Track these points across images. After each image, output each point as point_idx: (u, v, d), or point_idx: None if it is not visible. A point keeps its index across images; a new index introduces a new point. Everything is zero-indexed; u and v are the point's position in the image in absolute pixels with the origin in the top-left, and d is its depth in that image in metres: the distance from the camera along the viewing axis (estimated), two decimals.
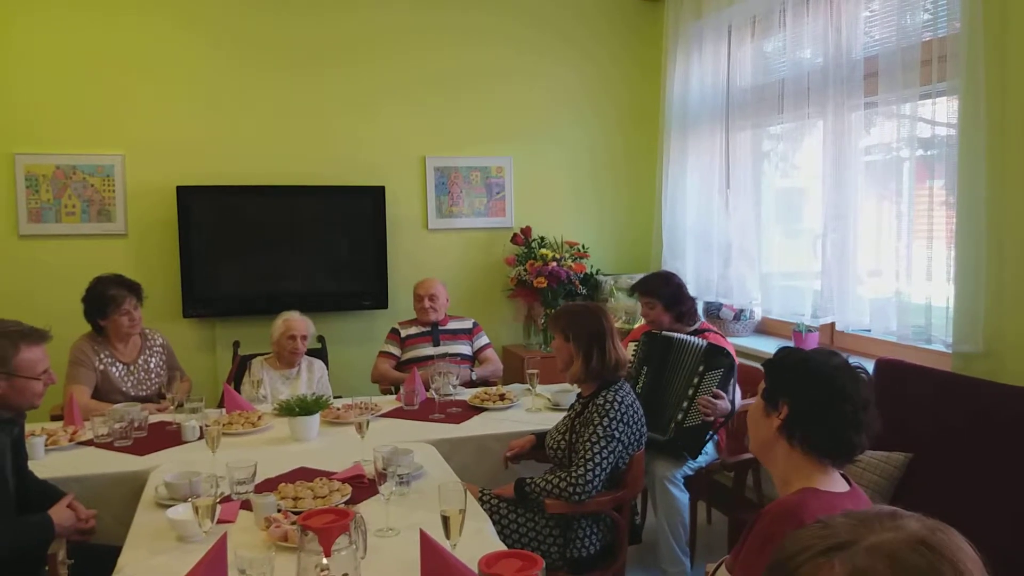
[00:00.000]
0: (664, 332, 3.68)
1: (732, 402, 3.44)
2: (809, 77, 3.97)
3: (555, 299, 5.15)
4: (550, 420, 3.29)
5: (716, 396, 3.38)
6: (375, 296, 5.18)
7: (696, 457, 3.49)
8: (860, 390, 1.71)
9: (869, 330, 3.80)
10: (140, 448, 3.12)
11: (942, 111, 3.35)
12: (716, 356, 3.45)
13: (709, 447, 3.60)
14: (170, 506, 2.37)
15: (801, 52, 4.11)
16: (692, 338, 3.59)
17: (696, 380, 3.44)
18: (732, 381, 3.46)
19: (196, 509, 2.10)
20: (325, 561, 1.63)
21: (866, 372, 1.76)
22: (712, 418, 3.38)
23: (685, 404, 3.44)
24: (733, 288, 4.66)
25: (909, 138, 3.52)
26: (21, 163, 4.65)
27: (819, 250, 3.98)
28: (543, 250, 5.24)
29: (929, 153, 3.50)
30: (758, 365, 3.68)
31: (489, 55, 5.38)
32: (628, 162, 5.70)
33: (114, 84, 4.76)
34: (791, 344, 4.08)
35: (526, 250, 5.33)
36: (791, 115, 4.15)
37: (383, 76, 5.20)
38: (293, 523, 2.17)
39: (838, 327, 3.92)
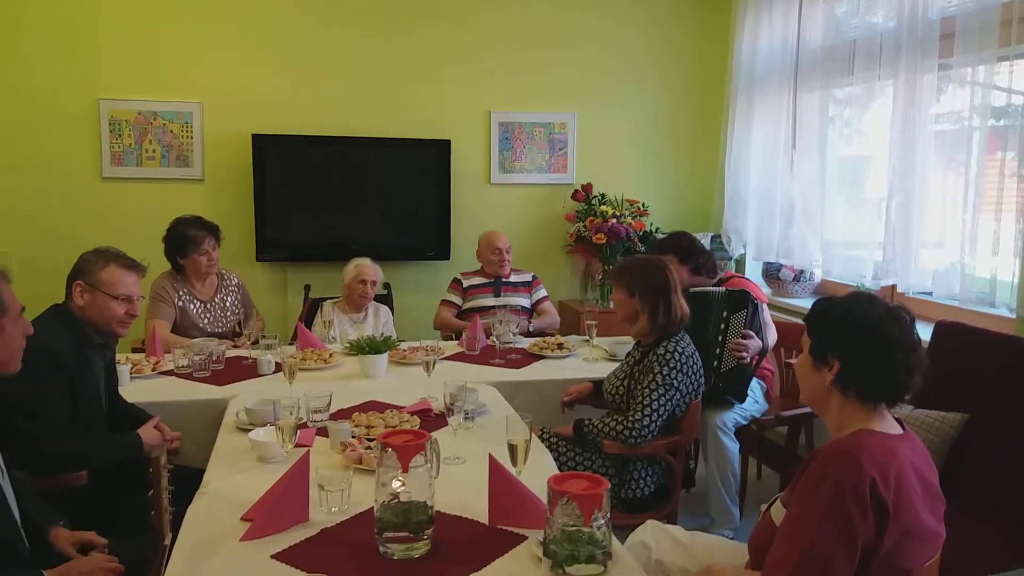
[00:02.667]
0: (693, 289, 3.73)
1: (764, 339, 3.52)
2: (882, 38, 3.91)
3: (613, 256, 5.21)
4: (607, 370, 3.36)
5: (745, 337, 3.46)
6: (438, 247, 5.31)
7: (743, 400, 3.56)
8: (905, 333, 1.74)
9: (931, 293, 3.79)
10: (218, 379, 3.30)
11: (1020, 76, 3.29)
12: (737, 299, 3.52)
13: (758, 395, 3.67)
14: (250, 430, 2.53)
15: (874, 13, 4.05)
16: (712, 288, 3.68)
17: (723, 326, 3.51)
18: (759, 319, 3.53)
19: (280, 430, 2.24)
20: (402, 477, 1.75)
21: (907, 311, 1.79)
22: (747, 359, 3.45)
23: (717, 351, 3.50)
24: (794, 249, 4.66)
25: (981, 107, 3.46)
26: (105, 108, 4.85)
27: (883, 216, 3.96)
28: (603, 207, 5.29)
29: (1002, 123, 3.45)
30: None
31: (556, 13, 5.39)
32: (691, 121, 5.69)
33: (194, 34, 4.93)
34: None
35: (586, 207, 5.38)
36: (861, 76, 4.10)
37: (452, 32, 5.26)
38: (367, 447, 2.32)
39: (899, 289, 3.91)
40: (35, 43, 4.74)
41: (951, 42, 3.50)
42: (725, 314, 3.50)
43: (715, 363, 3.49)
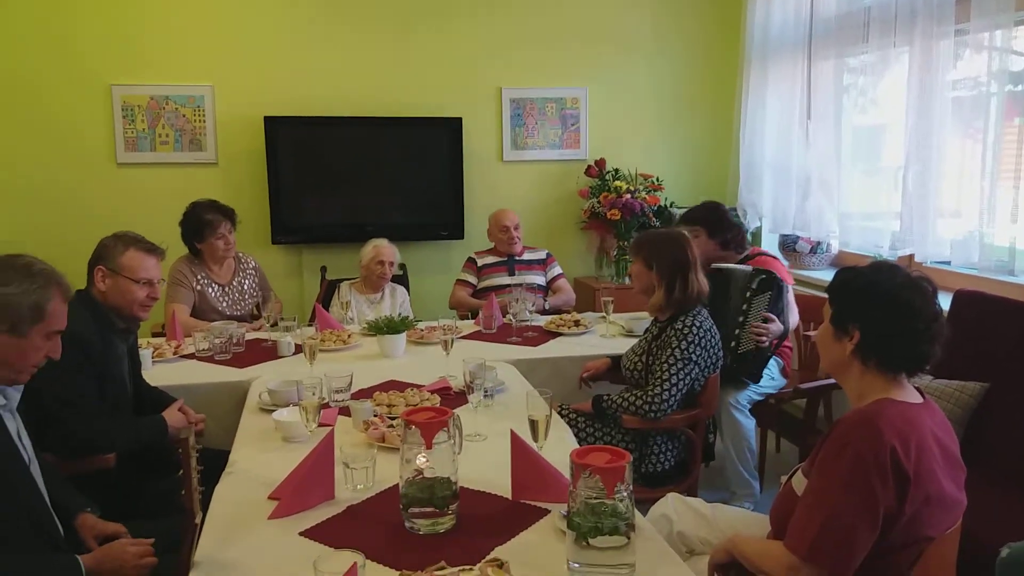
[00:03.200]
0: (716, 265, 3.71)
1: (785, 322, 3.48)
2: (897, 5, 3.86)
3: (628, 231, 5.20)
4: (624, 345, 3.37)
5: (766, 320, 3.42)
6: (452, 227, 5.32)
7: (757, 381, 3.54)
8: (927, 303, 1.74)
9: (949, 262, 3.77)
10: (239, 361, 3.34)
11: None
12: (761, 279, 3.46)
13: (775, 372, 3.66)
14: (273, 411, 2.56)
15: None
16: (738, 266, 3.63)
17: (745, 307, 3.47)
18: (782, 302, 3.49)
19: (304, 409, 2.27)
20: (426, 453, 1.77)
21: (929, 281, 1.78)
22: (767, 343, 3.43)
23: (737, 331, 3.47)
24: (811, 221, 4.64)
25: (999, 72, 3.43)
26: (118, 94, 4.88)
27: (899, 185, 3.93)
28: (617, 182, 5.27)
29: (1020, 88, 3.42)
30: None
31: None
32: (705, 93, 5.65)
33: (203, 17, 4.93)
34: None
35: (600, 182, 5.37)
36: (876, 44, 4.06)
37: (461, 9, 5.25)
38: (389, 426, 2.35)
39: (917, 259, 3.89)
40: (46, 31, 4.76)
41: (967, 7, 3.46)
42: (748, 295, 3.46)
43: (732, 343, 3.46)
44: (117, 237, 2.66)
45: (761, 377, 3.54)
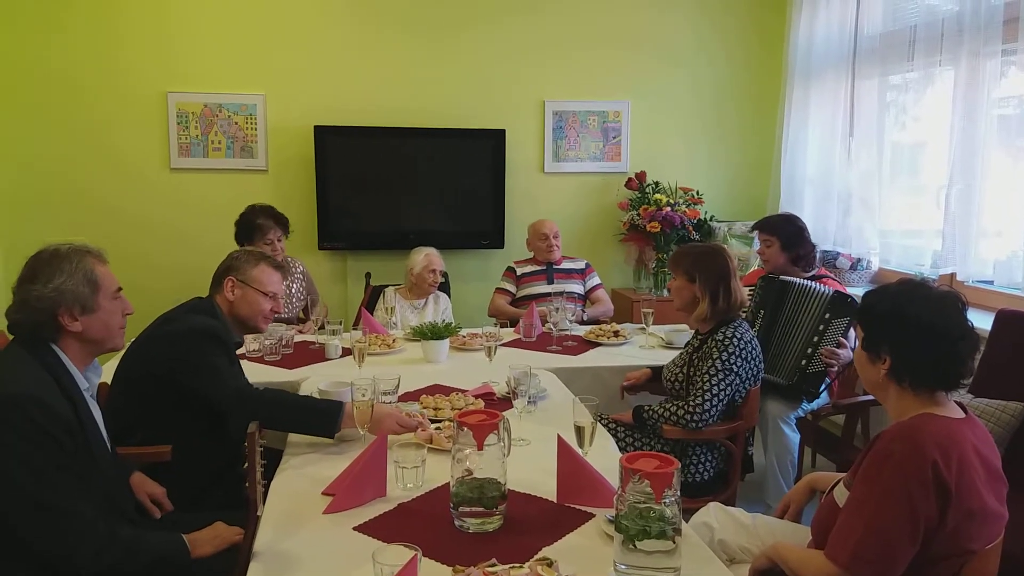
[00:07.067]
0: (781, 277, 3.73)
1: (852, 350, 3.49)
2: (944, 23, 3.88)
3: (668, 244, 5.24)
4: (663, 357, 3.42)
5: (839, 345, 3.41)
6: (492, 236, 5.39)
7: (812, 401, 3.56)
8: (954, 322, 1.76)
9: (991, 282, 3.76)
10: (288, 363, 3.43)
11: None
12: (842, 305, 3.44)
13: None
14: None
15: None
16: (817, 285, 3.59)
17: (821, 327, 3.45)
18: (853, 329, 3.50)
19: (357, 409, 2.34)
20: (477, 454, 1.83)
21: (957, 298, 1.80)
22: (835, 367, 3.43)
23: (809, 351, 3.47)
24: (852, 238, 4.64)
25: None
26: (173, 101, 5.02)
27: (941, 204, 3.93)
28: (657, 195, 5.31)
29: None
30: None
31: (610, 1, 5.42)
32: (747, 108, 5.68)
33: (257, 28, 5.07)
34: None
35: (640, 195, 5.41)
36: (921, 63, 4.06)
37: (507, 23, 5.33)
38: (437, 428, 2.42)
39: (959, 278, 3.88)
40: (105, 39, 4.92)
41: (1016, 26, 3.46)
42: (828, 316, 3.44)
43: (803, 362, 3.46)
44: (248, 252, 2.77)
45: (819, 396, 3.56)
